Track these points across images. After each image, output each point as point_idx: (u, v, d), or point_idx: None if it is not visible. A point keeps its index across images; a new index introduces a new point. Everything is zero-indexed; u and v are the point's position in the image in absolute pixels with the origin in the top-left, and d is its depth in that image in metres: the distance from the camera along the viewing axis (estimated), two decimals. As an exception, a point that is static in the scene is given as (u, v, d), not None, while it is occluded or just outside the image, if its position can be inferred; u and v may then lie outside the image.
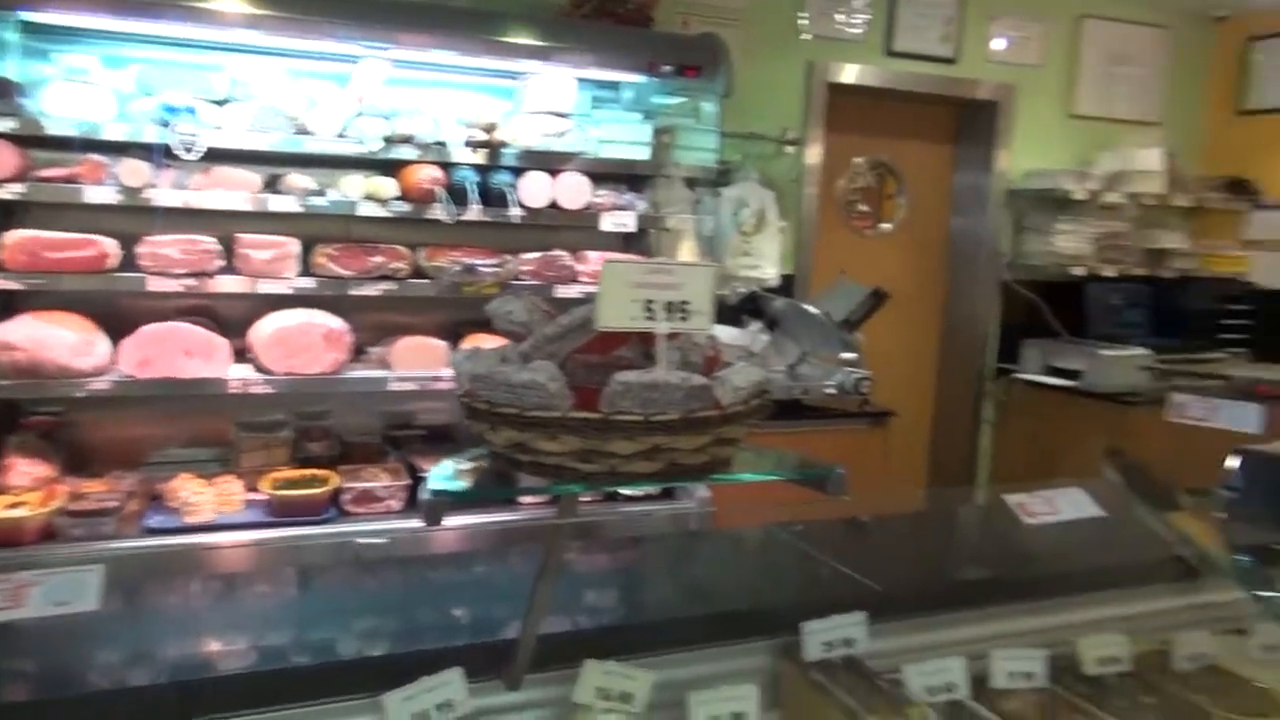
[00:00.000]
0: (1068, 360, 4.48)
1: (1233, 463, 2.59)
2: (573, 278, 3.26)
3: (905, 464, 4.86)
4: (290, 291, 2.92)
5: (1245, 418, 1.80)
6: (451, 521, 2.96)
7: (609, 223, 3.31)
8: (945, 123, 4.94)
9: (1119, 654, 1.66)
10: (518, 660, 1.33)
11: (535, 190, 3.18)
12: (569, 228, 3.34)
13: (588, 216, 3.28)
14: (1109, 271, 4.74)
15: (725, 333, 3.36)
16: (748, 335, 3.47)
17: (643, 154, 3.44)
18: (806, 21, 4.27)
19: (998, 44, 4.69)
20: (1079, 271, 4.69)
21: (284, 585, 1.93)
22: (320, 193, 2.98)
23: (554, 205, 3.23)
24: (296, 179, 2.96)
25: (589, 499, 3.03)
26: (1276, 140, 5.02)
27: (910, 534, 2.25)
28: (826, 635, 1.48)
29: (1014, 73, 4.76)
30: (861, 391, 3.53)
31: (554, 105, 3.29)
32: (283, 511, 2.75)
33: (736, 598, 1.77)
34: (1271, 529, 2.20)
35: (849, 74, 4.40)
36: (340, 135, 2.98)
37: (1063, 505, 1.56)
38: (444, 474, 1.08)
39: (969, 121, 4.90)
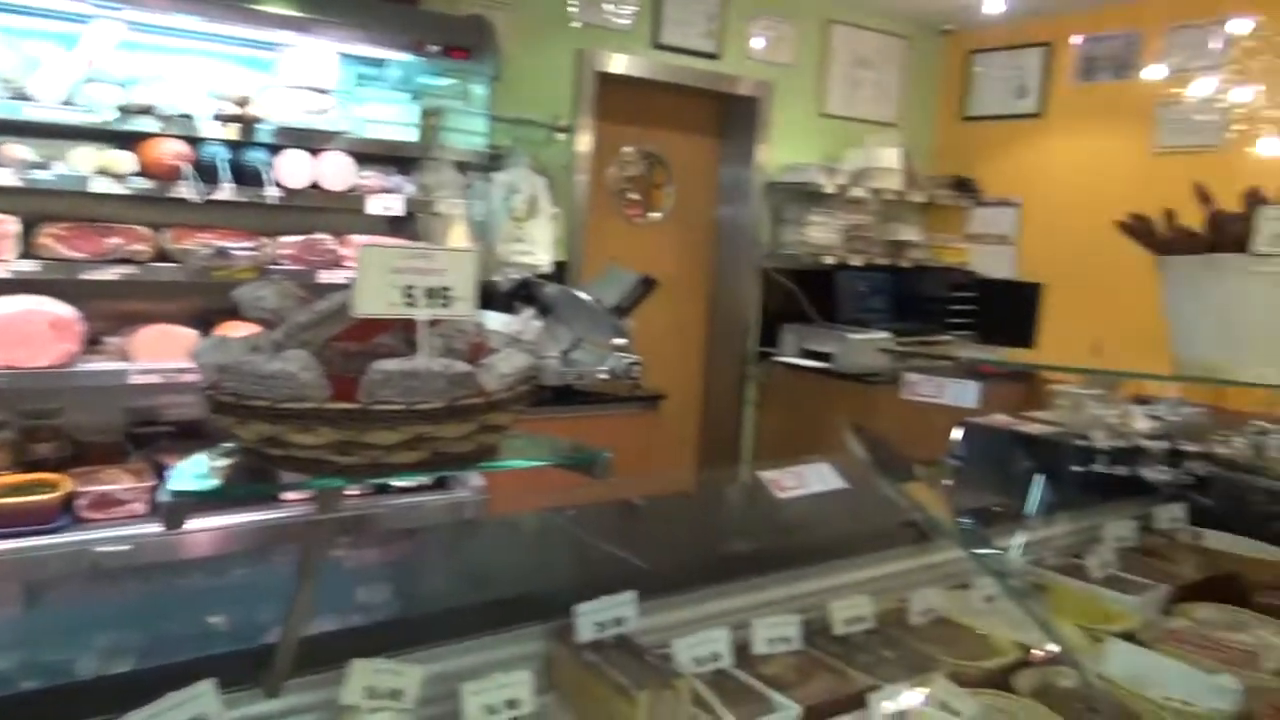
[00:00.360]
0: (820, 344, 4.80)
1: (957, 434, 2.88)
2: (336, 262, 3.12)
3: (676, 445, 5.03)
4: (8, 275, 2.61)
5: (966, 394, 1.97)
6: (204, 523, 2.77)
7: (375, 205, 3.19)
8: (710, 116, 5.13)
9: (864, 613, 1.79)
10: (277, 665, 1.26)
11: (294, 170, 3.01)
12: (332, 210, 3.19)
13: (352, 199, 3.15)
14: (856, 261, 5.10)
15: (497, 319, 3.32)
16: (520, 322, 3.46)
17: (410, 135, 3.35)
18: (576, 9, 4.29)
19: (757, 43, 4.92)
20: (830, 260, 5.02)
21: (7, 602, 1.72)
22: (44, 165, 2.68)
23: (315, 186, 3.07)
24: (14, 149, 2.65)
25: (357, 492, 2.93)
26: (992, 144, 5.56)
27: (679, 513, 2.32)
28: (598, 616, 1.50)
29: (771, 71, 5.02)
30: (633, 376, 3.61)
31: (314, 80, 3.13)
32: (4, 521, 2.46)
33: (511, 585, 1.76)
34: (990, 492, 2.45)
35: (618, 64, 4.47)
36: (67, 103, 2.69)
37: (811, 479, 1.66)
38: (187, 473, 1.00)
39: (732, 115, 5.11)
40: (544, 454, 1.03)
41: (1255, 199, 1.55)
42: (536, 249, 3.99)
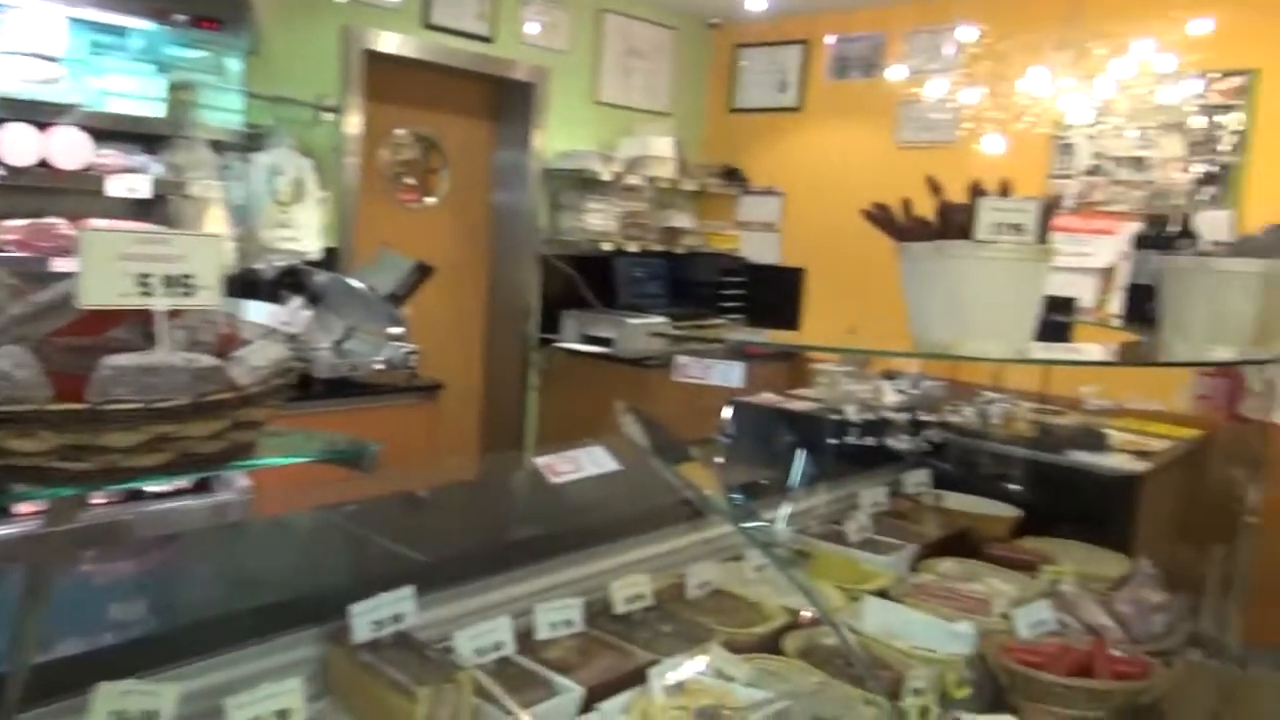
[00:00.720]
0: (600, 329, 4.86)
1: (727, 413, 2.99)
2: (70, 248, 2.83)
3: (458, 434, 4.94)
4: None
5: (732, 374, 2.03)
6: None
7: (117, 187, 2.91)
8: (485, 100, 5.05)
9: (643, 591, 1.83)
10: (6, 698, 1.12)
11: (19, 145, 2.70)
12: (66, 191, 2.89)
13: (89, 179, 2.86)
14: (632, 247, 5.20)
15: (262, 309, 3.14)
16: (288, 312, 3.28)
17: (156, 110, 3.08)
18: (341, -16, 4.10)
19: (530, 27, 4.89)
20: (607, 247, 5.09)
21: None
22: None
23: (45, 164, 2.77)
24: None
25: (105, 499, 2.67)
26: (757, 136, 5.81)
27: (461, 503, 2.29)
28: (375, 614, 1.45)
29: (546, 56, 5.01)
30: (410, 365, 3.52)
31: (40, 47, 2.81)
32: None
33: (281, 588, 1.66)
34: (759, 467, 2.57)
35: (388, 43, 4.32)
36: None
37: (585, 463, 1.68)
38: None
39: (507, 100, 5.06)
40: (306, 450, 0.98)
41: (977, 191, 1.69)
42: (304, 235, 3.79)
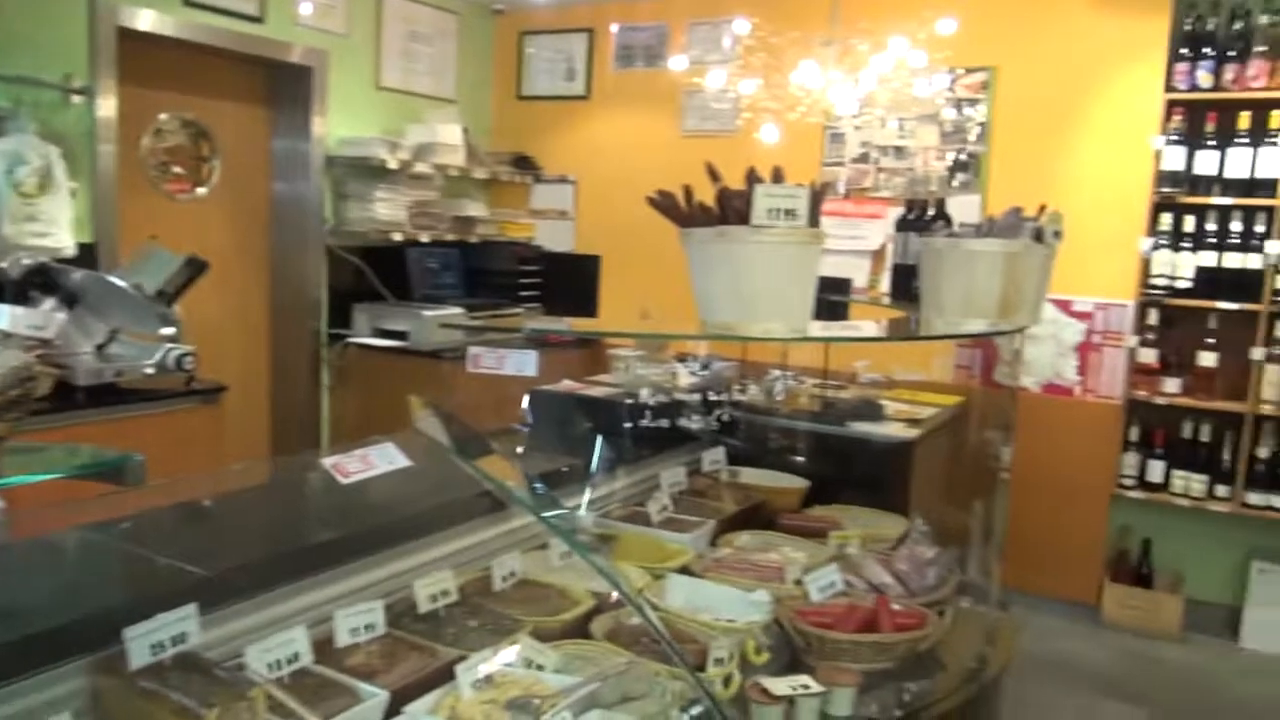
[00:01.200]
0: (394, 322, 4.71)
1: (525, 402, 2.97)
2: None
3: (247, 439, 4.66)
4: None
5: (527, 364, 2.01)
6: None
7: None
8: (259, 84, 4.77)
9: (447, 588, 1.80)
10: None
11: None
12: None
13: None
14: (424, 237, 5.07)
15: (5, 312, 2.82)
16: (40, 315, 2.96)
17: None
18: (85, -45, 3.74)
19: (304, 8, 4.65)
20: (398, 237, 4.94)
21: None
22: None
23: None
24: None
25: None
26: (546, 123, 5.81)
27: (248, 511, 2.16)
28: (153, 636, 1.35)
29: (323, 39, 4.78)
30: (186, 368, 3.28)
31: None
32: None
33: (42, 618, 1.51)
34: (558, 455, 2.58)
35: (143, 20, 3.98)
36: None
37: (376, 460, 1.62)
38: None
39: (283, 85, 4.80)
40: (57, 465, 0.89)
41: (753, 177, 1.76)
42: (55, 229, 3.45)
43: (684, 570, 2.10)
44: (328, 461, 1.58)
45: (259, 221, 4.85)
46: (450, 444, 2.04)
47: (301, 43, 4.66)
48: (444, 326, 4.33)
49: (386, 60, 5.16)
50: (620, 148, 5.57)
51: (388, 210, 4.90)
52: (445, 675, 1.53)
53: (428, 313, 4.66)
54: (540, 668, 1.61)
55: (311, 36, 4.71)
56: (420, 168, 5.01)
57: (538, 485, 2.24)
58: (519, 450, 2.65)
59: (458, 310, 4.77)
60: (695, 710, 1.62)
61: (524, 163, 5.77)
